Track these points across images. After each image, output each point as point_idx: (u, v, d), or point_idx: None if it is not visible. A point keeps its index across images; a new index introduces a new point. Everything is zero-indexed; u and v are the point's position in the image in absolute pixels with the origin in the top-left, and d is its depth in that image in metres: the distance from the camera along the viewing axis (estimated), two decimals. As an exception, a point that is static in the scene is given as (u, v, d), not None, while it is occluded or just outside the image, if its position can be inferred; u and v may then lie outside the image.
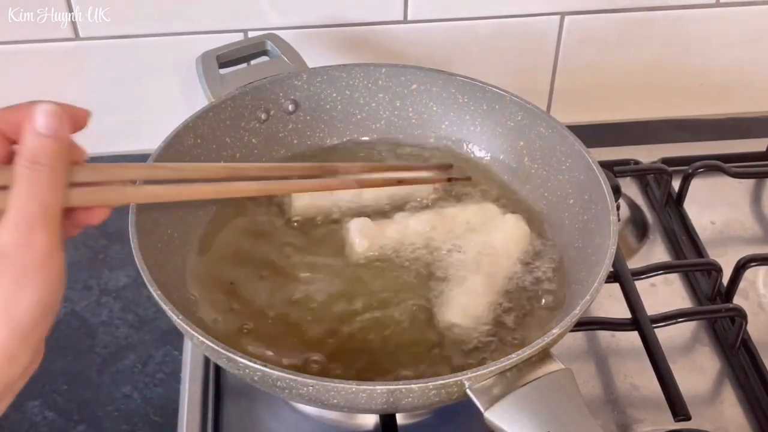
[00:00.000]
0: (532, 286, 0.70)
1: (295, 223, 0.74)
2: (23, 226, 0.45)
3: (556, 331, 0.58)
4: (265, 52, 0.84)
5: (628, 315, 0.75)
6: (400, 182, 0.73)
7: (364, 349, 0.65)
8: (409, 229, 0.73)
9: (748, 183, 0.93)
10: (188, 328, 0.57)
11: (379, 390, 0.55)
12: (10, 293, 0.45)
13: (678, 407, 0.67)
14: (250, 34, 0.90)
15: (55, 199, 0.47)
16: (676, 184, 0.88)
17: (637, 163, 0.92)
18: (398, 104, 0.82)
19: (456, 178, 0.77)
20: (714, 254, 0.82)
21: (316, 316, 0.67)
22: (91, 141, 0.98)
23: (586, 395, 0.71)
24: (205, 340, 0.57)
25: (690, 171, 0.87)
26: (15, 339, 0.45)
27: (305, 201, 0.74)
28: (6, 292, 0.45)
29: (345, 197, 0.75)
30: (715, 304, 0.78)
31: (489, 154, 0.81)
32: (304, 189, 0.71)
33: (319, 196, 0.74)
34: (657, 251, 0.85)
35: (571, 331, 0.63)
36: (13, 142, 0.49)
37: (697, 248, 0.83)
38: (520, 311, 0.68)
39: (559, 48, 0.97)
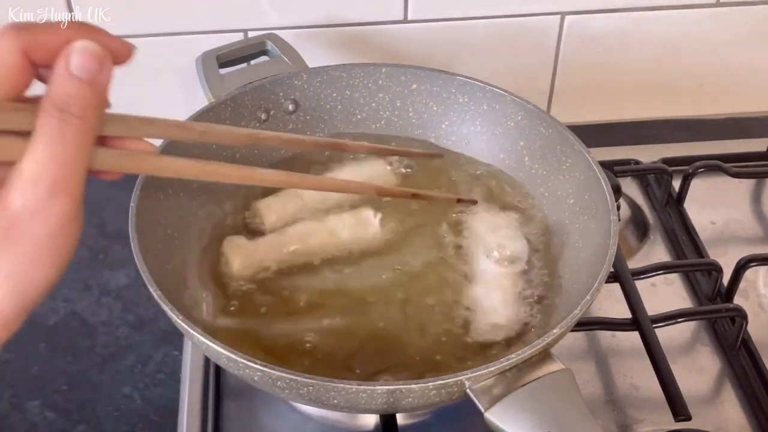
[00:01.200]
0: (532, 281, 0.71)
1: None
2: (42, 189, 0.38)
3: (556, 331, 0.58)
4: (265, 52, 0.84)
5: (628, 315, 0.75)
6: (414, 196, 0.70)
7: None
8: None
9: (749, 183, 0.93)
10: (188, 329, 0.57)
11: (380, 390, 0.55)
12: (23, 270, 0.39)
13: (678, 407, 0.67)
14: (250, 34, 0.90)
15: (83, 158, 0.40)
16: (676, 184, 0.88)
17: (637, 162, 0.92)
18: (398, 104, 0.82)
19: (464, 200, 0.75)
20: (714, 254, 0.82)
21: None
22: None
23: (586, 395, 0.70)
24: (205, 340, 0.56)
25: (690, 171, 0.87)
26: (21, 313, 0.40)
27: (275, 216, 0.73)
28: (17, 268, 0.39)
29: (312, 200, 0.74)
30: (715, 304, 0.78)
31: (489, 154, 0.81)
32: (329, 188, 0.68)
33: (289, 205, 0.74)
34: (657, 251, 0.85)
35: (572, 331, 0.63)
36: (40, 67, 0.41)
37: (698, 248, 0.83)
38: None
39: (559, 48, 0.97)
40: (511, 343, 0.66)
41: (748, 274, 0.78)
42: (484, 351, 0.66)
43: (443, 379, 0.55)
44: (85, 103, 0.40)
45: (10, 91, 0.40)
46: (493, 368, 0.56)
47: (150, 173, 0.52)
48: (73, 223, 0.40)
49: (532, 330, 0.67)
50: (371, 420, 0.70)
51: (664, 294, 0.81)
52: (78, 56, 0.40)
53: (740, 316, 0.74)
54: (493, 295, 0.68)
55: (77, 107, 0.39)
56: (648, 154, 0.94)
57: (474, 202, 0.76)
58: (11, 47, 0.39)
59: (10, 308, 0.40)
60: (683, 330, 0.77)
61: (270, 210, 0.73)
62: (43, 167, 0.38)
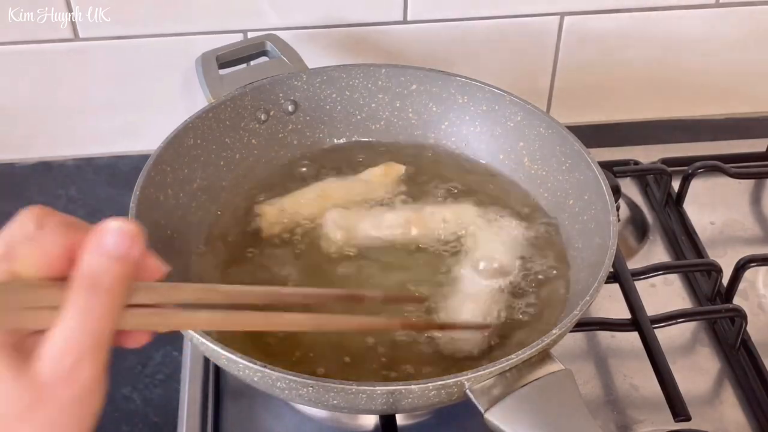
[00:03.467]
0: (527, 287, 0.70)
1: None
2: (70, 357, 0.41)
3: (555, 331, 0.58)
4: (264, 53, 0.84)
5: (628, 315, 0.75)
6: (441, 328, 0.66)
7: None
8: (384, 223, 0.73)
9: (748, 183, 0.93)
10: (188, 329, 0.57)
11: (379, 391, 0.55)
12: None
13: (678, 408, 0.67)
14: (250, 35, 0.90)
15: (110, 328, 0.42)
16: (675, 185, 0.88)
17: (636, 163, 0.92)
18: (398, 105, 0.82)
19: (483, 326, 0.67)
20: (714, 255, 0.82)
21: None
22: (90, 141, 0.99)
23: (585, 396, 0.71)
24: (205, 340, 0.57)
25: (690, 171, 0.87)
26: None
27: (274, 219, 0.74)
28: (39, 430, 0.41)
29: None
30: (714, 305, 0.78)
31: (489, 155, 0.81)
32: (353, 327, 0.63)
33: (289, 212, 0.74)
34: (657, 251, 0.85)
35: (571, 331, 0.63)
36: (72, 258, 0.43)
37: (697, 248, 0.83)
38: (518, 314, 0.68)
39: (558, 48, 0.97)
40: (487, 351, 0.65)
41: (748, 274, 0.78)
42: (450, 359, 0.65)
43: (443, 380, 0.55)
44: (113, 279, 0.42)
45: (45, 273, 0.43)
46: (492, 369, 0.56)
47: (179, 329, 0.54)
48: (97, 387, 0.42)
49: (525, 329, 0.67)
50: (371, 420, 0.70)
51: (664, 294, 0.81)
52: (112, 235, 0.43)
53: (740, 316, 0.74)
54: (466, 308, 0.67)
55: (107, 282, 0.42)
56: (647, 154, 0.94)
57: (487, 328, 0.67)
58: (58, 241, 0.43)
59: None
60: (683, 330, 0.77)
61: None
62: (72, 338, 0.41)
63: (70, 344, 0.41)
